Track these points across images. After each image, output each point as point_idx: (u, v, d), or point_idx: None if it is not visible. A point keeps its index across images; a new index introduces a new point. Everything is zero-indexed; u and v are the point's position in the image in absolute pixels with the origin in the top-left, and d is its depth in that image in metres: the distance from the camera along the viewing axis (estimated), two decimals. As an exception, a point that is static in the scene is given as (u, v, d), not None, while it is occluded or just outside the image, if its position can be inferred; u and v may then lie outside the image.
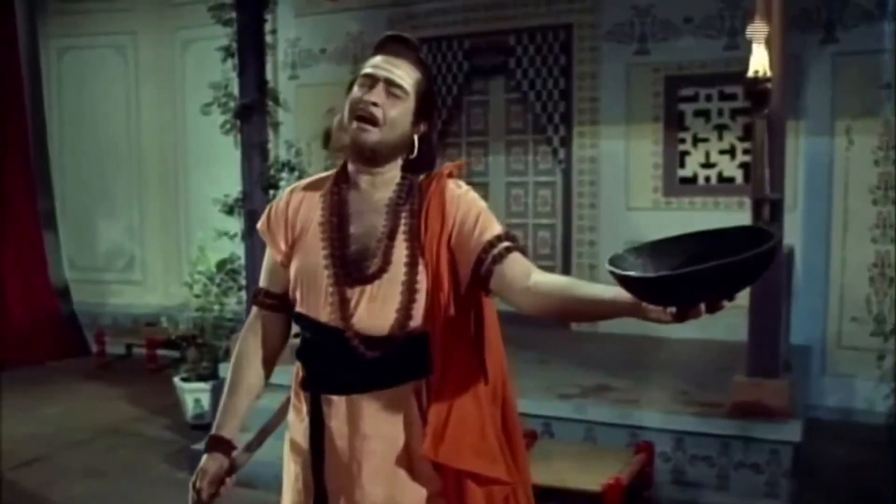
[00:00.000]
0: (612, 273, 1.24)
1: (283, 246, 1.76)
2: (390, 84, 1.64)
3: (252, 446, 1.82)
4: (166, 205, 7.35)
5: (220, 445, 1.76)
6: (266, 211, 1.82)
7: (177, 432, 4.97)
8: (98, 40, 7.36)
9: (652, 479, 3.52)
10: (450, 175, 1.71)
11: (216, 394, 4.95)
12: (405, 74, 1.65)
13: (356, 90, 1.66)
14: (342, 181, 1.74)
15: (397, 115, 1.64)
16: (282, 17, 6.34)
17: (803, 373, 4.61)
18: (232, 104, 4.90)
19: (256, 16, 4.79)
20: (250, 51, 4.77)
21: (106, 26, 7.29)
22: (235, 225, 4.97)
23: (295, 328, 1.82)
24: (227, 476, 1.75)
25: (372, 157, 1.66)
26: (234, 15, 4.83)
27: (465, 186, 1.70)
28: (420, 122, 1.69)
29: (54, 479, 4.28)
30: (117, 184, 7.49)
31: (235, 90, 4.88)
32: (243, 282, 5.19)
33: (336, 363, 1.70)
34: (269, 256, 1.81)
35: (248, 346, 1.82)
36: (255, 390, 1.82)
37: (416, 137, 1.69)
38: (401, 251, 1.65)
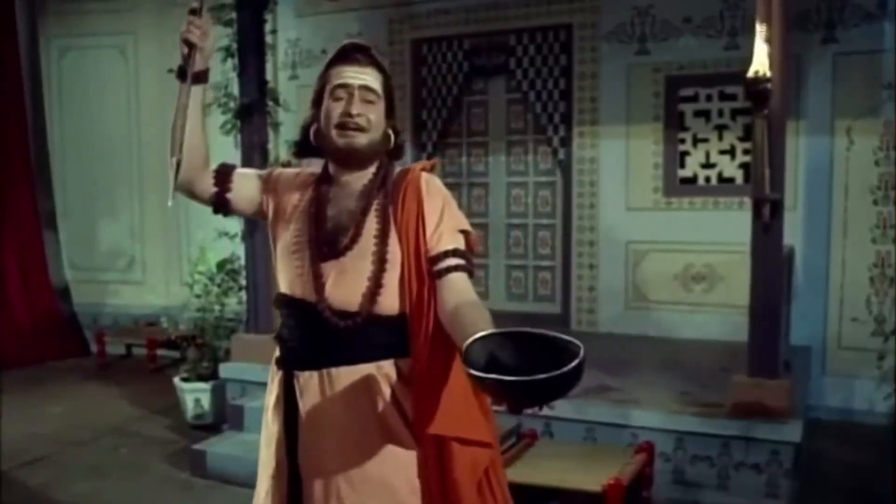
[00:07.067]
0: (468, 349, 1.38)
1: (271, 203, 1.88)
2: (366, 90, 1.76)
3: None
4: (166, 205, 7.32)
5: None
6: (273, 169, 1.96)
7: (177, 432, 4.97)
8: (98, 40, 7.36)
9: (652, 479, 3.52)
10: (423, 169, 1.83)
11: (216, 394, 4.97)
12: (374, 80, 1.78)
13: (332, 103, 1.76)
14: (325, 181, 1.85)
15: (376, 117, 1.77)
16: (282, 17, 6.33)
17: (803, 373, 4.61)
18: (232, 104, 4.92)
19: (256, 16, 4.80)
20: (250, 51, 4.77)
21: (106, 26, 7.28)
22: (235, 225, 4.97)
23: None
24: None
25: (360, 160, 1.78)
26: (234, 15, 4.84)
27: (436, 179, 1.82)
28: (390, 117, 1.82)
29: (55, 479, 4.28)
30: (117, 184, 7.48)
31: (235, 90, 4.89)
32: (243, 282, 5.20)
33: (310, 339, 1.78)
34: (252, 178, 1.93)
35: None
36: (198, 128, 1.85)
37: (390, 132, 1.82)
38: (371, 225, 1.76)
